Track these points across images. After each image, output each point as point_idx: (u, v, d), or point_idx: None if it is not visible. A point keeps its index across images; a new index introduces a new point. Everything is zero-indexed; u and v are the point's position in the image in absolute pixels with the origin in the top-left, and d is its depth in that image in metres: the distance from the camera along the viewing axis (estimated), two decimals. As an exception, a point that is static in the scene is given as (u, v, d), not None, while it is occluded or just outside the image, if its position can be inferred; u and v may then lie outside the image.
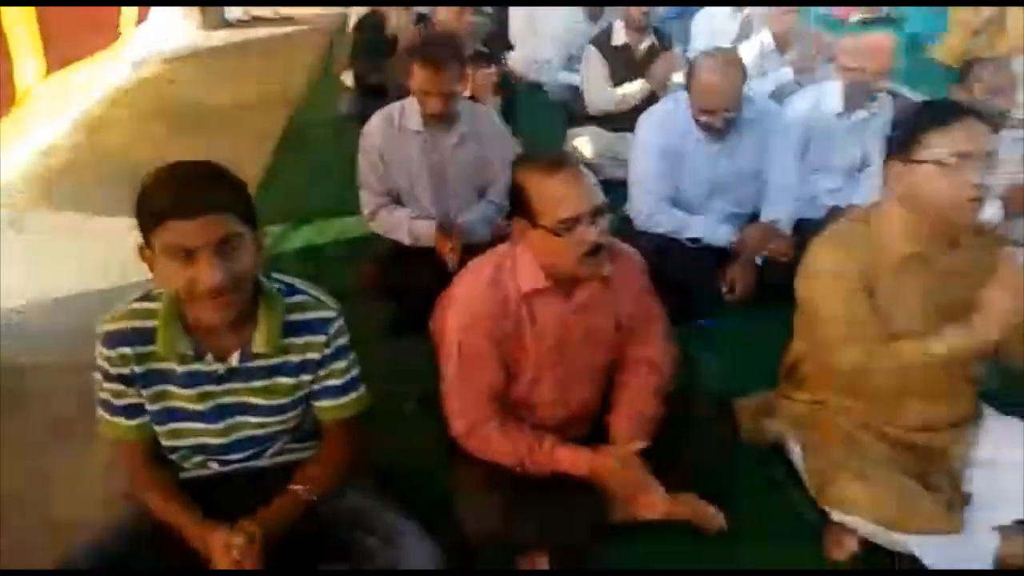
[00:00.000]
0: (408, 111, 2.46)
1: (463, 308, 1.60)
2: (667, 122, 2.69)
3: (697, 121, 2.62)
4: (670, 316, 2.65)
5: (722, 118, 2.55)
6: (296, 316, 1.42)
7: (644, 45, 3.71)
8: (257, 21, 6.56)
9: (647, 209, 2.65)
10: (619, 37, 3.73)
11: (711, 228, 2.62)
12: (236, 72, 5.20)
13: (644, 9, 3.63)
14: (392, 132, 2.47)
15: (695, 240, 2.63)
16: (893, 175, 1.63)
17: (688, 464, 1.73)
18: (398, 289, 2.40)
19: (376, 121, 2.49)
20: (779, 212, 2.76)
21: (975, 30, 6.04)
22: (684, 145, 2.67)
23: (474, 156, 2.53)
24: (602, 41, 3.76)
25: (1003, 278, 1.49)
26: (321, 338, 1.44)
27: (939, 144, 1.53)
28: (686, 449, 1.74)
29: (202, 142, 3.95)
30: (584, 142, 3.65)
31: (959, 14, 6.30)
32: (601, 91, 3.71)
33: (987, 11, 6.08)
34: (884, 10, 8.07)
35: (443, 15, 3.49)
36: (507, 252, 1.64)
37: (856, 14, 8.09)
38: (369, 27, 4.00)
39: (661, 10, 5.31)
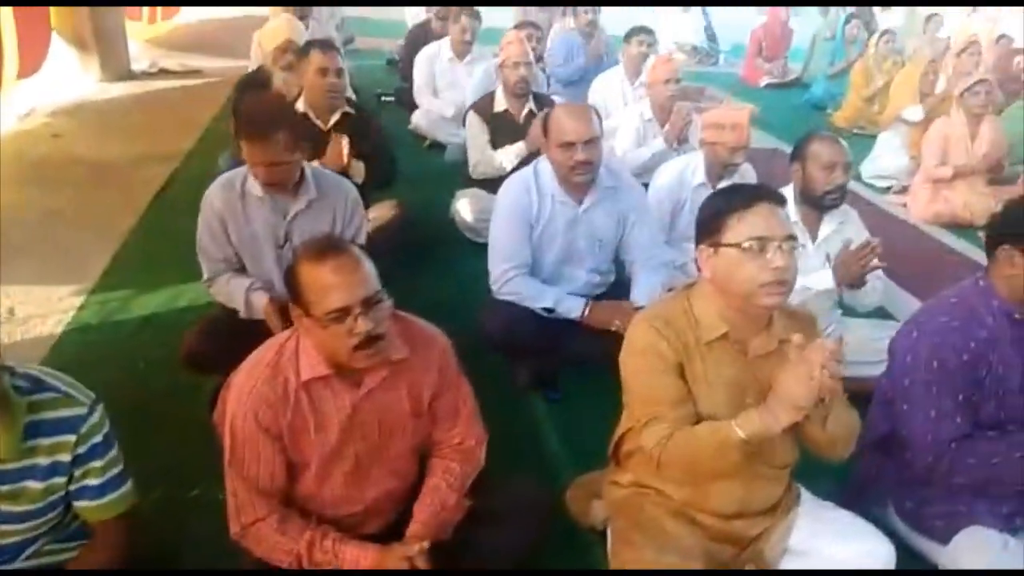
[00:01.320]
0: (251, 176, 2.39)
1: (238, 397, 1.50)
2: (527, 187, 2.66)
3: (560, 177, 2.58)
4: (520, 385, 2.69)
5: (584, 161, 2.49)
6: (42, 415, 1.32)
7: (524, 111, 3.75)
8: (163, 73, 6.45)
9: (502, 277, 2.60)
10: (500, 103, 3.77)
11: (563, 299, 2.58)
12: (129, 126, 5.07)
13: (523, 75, 3.68)
14: (233, 197, 2.38)
15: (549, 310, 2.59)
16: (702, 258, 1.63)
17: (490, 553, 1.65)
18: (216, 363, 2.27)
19: (217, 186, 2.40)
20: (647, 281, 2.75)
21: (866, 97, 6.31)
22: (543, 210, 2.64)
23: (321, 223, 2.46)
24: (483, 107, 3.78)
25: (793, 365, 1.47)
26: (71, 438, 1.34)
27: (738, 229, 1.54)
28: (491, 538, 1.66)
29: (74, 198, 3.79)
30: (464, 204, 3.63)
31: (856, 81, 6.60)
32: (482, 155, 3.71)
33: (879, 80, 6.38)
34: (795, 75, 8.47)
35: (281, 80, 3.45)
36: (290, 337, 1.56)
37: (766, 79, 8.47)
38: (251, 84, 3.94)
39: (563, 73, 5.47)
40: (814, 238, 2.70)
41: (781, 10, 8.49)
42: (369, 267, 1.48)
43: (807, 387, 1.43)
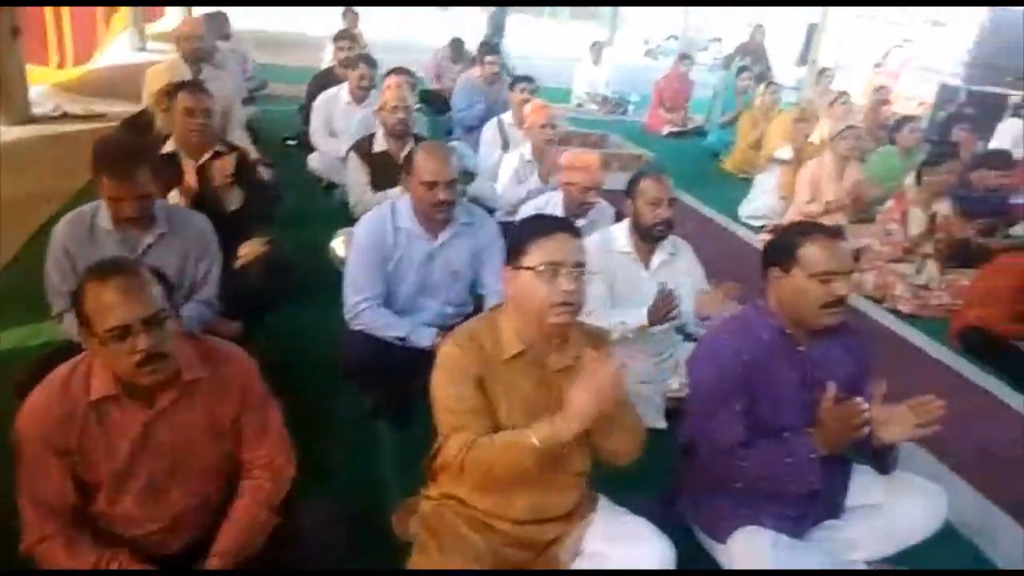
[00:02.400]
0: (101, 211, 2.45)
1: (26, 413, 1.55)
2: (383, 222, 2.77)
3: (419, 214, 2.69)
4: (371, 412, 2.77)
5: (444, 200, 2.61)
6: None
7: (404, 151, 3.89)
8: (65, 117, 6.42)
9: (354, 308, 2.69)
10: (380, 144, 3.92)
11: (415, 330, 2.68)
12: (25, 166, 5.04)
13: (402, 117, 3.84)
14: (82, 232, 2.43)
15: (402, 340, 2.69)
16: (505, 279, 1.77)
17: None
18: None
19: (65, 220, 2.45)
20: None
21: (752, 143, 6.71)
22: (398, 245, 2.74)
23: (172, 256, 2.53)
24: (363, 147, 3.92)
25: (583, 378, 1.61)
26: None
27: (536, 254, 1.69)
28: (293, 558, 1.73)
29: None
30: (339, 242, 3.73)
31: (743, 129, 7.01)
32: (362, 195, 3.84)
33: (761, 128, 6.79)
34: (695, 124, 8.90)
35: (162, 121, 3.55)
36: (84, 358, 1.62)
37: (668, 127, 8.89)
38: (134, 125, 4.01)
39: (464, 118, 5.67)
40: (647, 267, 2.90)
41: (681, 64, 8.98)
42: (153, 288, 1.54)
43: (595, 398, 1.58)
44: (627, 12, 24.13)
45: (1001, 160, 4.90)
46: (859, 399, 1.84)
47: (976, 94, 8.78)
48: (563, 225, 1.78)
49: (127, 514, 1.64)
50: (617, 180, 6.53)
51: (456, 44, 8.20)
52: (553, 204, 3.38)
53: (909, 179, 4.41)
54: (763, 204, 5.45)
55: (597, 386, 1.59)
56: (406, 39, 13.86)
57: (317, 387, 2.86)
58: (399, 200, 2.78)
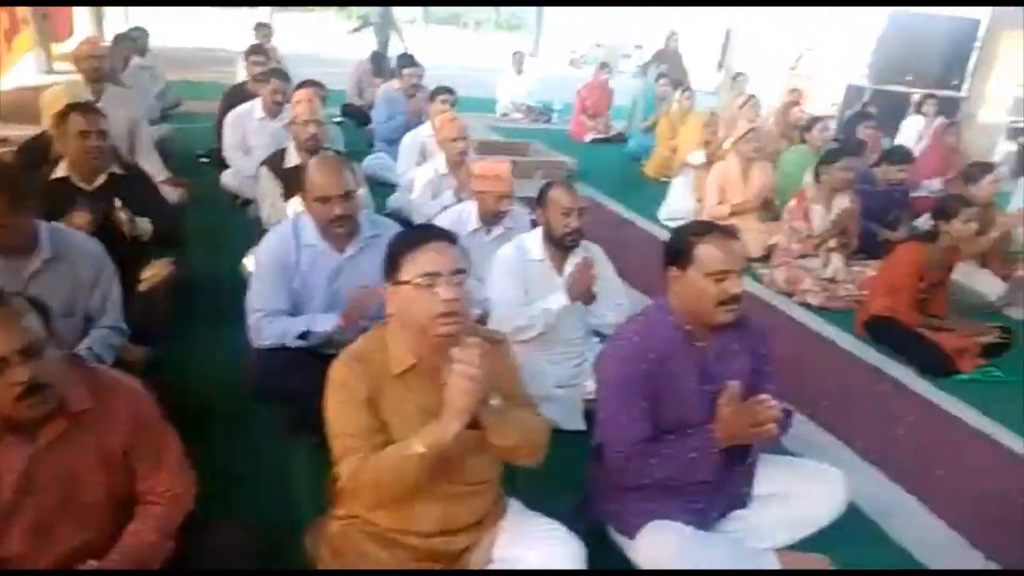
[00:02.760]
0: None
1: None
2: (285, 239, 2.72)
3: (320, 229, 2.64)
4: (283, 430, 2.71)
5: (341, 215, 2.56)
6: None
7: (315, 166, 3.84)
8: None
9: (255, 324, 2.62)
10: (292, 159, 3.85)
11: (315, 320, 2.60)
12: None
13: (313, 131, 3.79)
14: (-38, 262, 2.32)
15: (305, 337, 2.61)
16: (387, 296, 1.74)
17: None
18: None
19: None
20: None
21: (670, 148, 6.86)
22: (302, 261, 2.68)
23: (61, 282, 2.42)
24: (275, 162, 3.86)
25: (455, 370, 1.57)
26: None
27: (411, 267, 1.66)
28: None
29: None
30: (251, 260, 3.65)
31: (661, 134, 7.17)
32: (273, 209, 3.76)
33: (678, 133, 6.96)
34: (616, 131, 9.07)
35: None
36: None
37: (591, 134, 9.03)
38: (31, 149, 3.84)
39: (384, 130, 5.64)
40: (561, 273, 2.92)
41: (601, 72, 9.14)
42: (28, 317, 1.48)
43: (465, 389, 1.56)
44: (553, 22, 24.50)
45: (901, 156, 5.14)
46: (764, 396, 1.87)
47: (880, 93, 9.22)
48: (436, 234, 1.76)
49: (14, 551, 1.56)
50: (540, 187, 6.61)
51: (377, 57, 8.17)
52: (467, 214, 3.39)
53: (808, 177, 4.58)
54: (679, 207, 5.58)
55: (466, 376, 1.57)
56: (319, 52, 13.75)
57: (229, 408, 2.78)
58: (302, 216, 2.73)
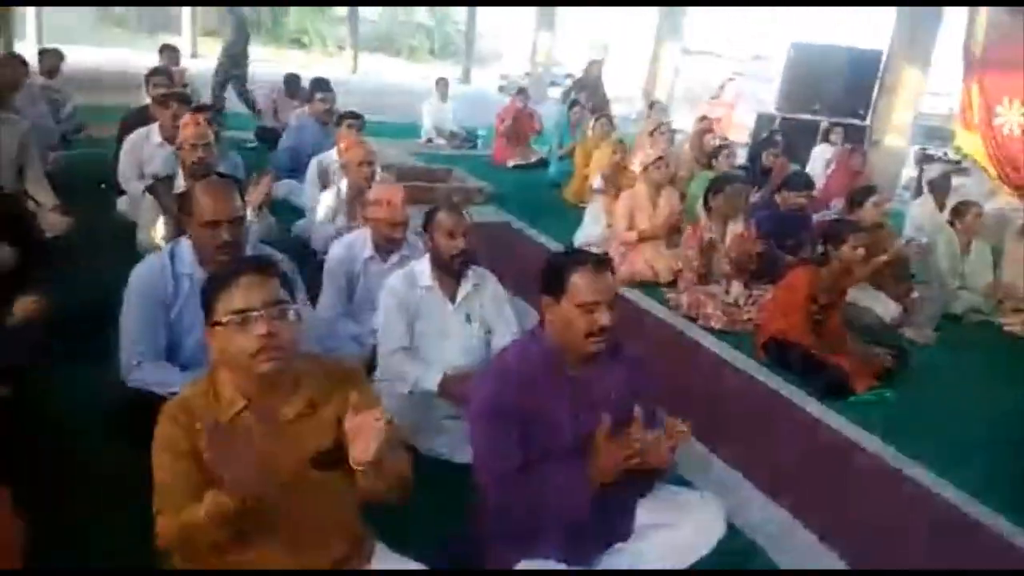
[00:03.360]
0: None
1: None
2: (160, 269, 2.58)
3: (203, 257, 2.51)
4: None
5: (228, 241, 2.44)
6: None
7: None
8: None
9: (128, 363, 2.48)
10: (180, 185, 3.70)
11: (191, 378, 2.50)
12: None
13: (202, 155, 3.66)
14: None
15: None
16: (208, 338, 1.65)
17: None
18: None
19: None
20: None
21: (586, 174, 6.93)
22: (180, 292, 2.55)
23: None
24: (160, 188, 3.71)
25: (352, 429, 1.55)
26: None
27: (221, 307, 1.59)
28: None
29: None
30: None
31: (577, 160, 7.24)
32: (148, 233, 3.61)
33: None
34: (538, 156, 9.13)
35: None
36: None
37: (513, 160, 9.07)
38: None
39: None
40: (453, 300, 2.86)
41: (517, 99, 9.22)
42: None
43: (368, 443, 1.52)
44: (484, 49, 24.81)
45: (801, 182, 5.29)
46: (632, 430, 1.84)
47: (789, 121, 9.57)
48: (248, 268, 1.66)
49: None
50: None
51: (291, 80, 8.04)
52: (362, 241, 3.30)
53: (700, 208, 4.67)
54: (592, 232, 5.61)
55: (366, 433, 1.52)
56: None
57: (93, 447, 2.60)
58: (181, 242, 2.60)
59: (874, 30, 10.82)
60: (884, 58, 9.48)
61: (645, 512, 2.16)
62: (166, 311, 2.55)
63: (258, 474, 1.56)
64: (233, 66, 9.16)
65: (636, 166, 5.70)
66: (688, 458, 2.93)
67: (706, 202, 4.66)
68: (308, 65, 20.95)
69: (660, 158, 5.11)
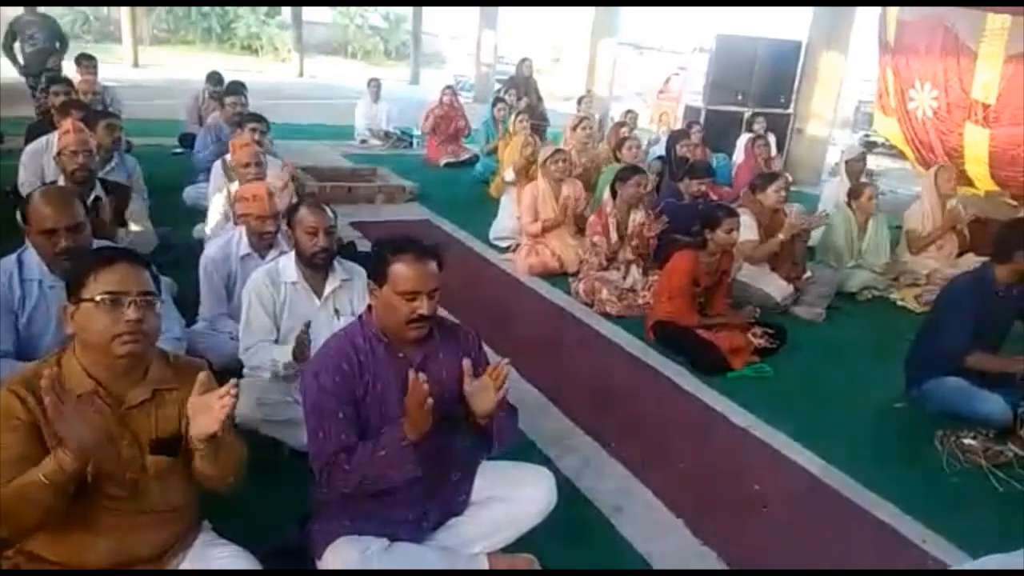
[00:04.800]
0: None
1: None
2: (7, 276, 2.57)
3: (47, 263, 2.56)
4: None
5: (66, 245, 2.50)
6: None
7: (91, 197, 3.71)
8: None
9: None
10: (63, 192, 3.71)
11: None
12: None
13: (83, 162, 3.66)
14: None
15: None
16: (65, 316, 1.71)
17: None
18: None
19: None
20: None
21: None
22: (29, 297, 2.59)
23: None
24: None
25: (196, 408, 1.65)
26: None
27: (95, 286, 1.66)
28: None
29: None
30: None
31: (500, 157, 7.32)
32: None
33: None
34: (469, 154, 9.19)
35: None
36: None
37: (445, 158, 9.13)
38: None
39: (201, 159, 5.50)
40: (320, 295, 2.92)
41: (447, 95, 9.28)
42: None
43: (210, 419, 1.61)
44: (441, 51, 24.82)
45: (701, 170, 5.44)
46: (413, 375, 1.89)
47: (713, 112, 9.77)
48: (122, 255, 1.76)
49: None
50: (384, 212, 6.68)
51: (213, 80, 8.01)
52: (238, 239, 3.35)
53: (607, 194, 4.78)
54: (505, 225, 5.71)
55: (208, 411, 1.62)
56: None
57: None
58: (27, 251, 2.63)
59: (795, 20, 11.07)
60: (804, 47, 9.72)
61: (481, 486, 2.25)
62: (14, 317, 2.59)
63: (99, 443, 1.60)
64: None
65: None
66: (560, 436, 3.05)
67: (613, 191, 4.77)
68: (262, 70, 20.91)
69: (558, 151, 5.22)
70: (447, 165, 8.95)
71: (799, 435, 3.23)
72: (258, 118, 5.07)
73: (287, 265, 2.92)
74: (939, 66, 8.23)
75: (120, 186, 3.96)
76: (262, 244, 3.32)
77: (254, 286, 2.87)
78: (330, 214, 2.90)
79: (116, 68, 15.67)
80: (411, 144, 10.15)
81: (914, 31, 8.53)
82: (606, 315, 4.49)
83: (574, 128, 6.84)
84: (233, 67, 25.26)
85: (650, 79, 19.95)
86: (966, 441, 3.19)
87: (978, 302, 3.35)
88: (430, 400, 1.87)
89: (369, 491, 2.01)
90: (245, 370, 2.90)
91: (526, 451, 2.91)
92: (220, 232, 4.04)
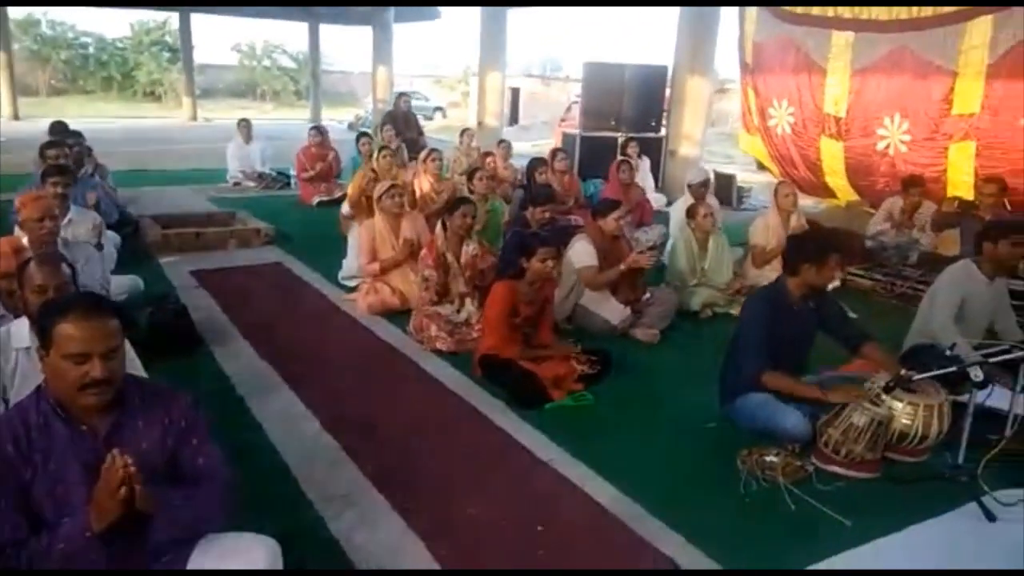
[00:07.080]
0: None
1: None
2: None
3: None
4: None
5: None
6: None
7: None
8: None
9: None
10: None
11: None
12: None
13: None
14: None
15: None
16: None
17: None
18: None
19: None
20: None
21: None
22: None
23: None
24: None
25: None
26: None
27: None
28: None
29: None
30: None
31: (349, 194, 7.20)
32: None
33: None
34: (341, 192, 9.01)
35: None
36: None
37: (317, 197, 8.93)
38: None
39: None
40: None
41: (315, 136, 9.14)
42: None
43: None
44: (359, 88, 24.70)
45: (543, 197, 5.42)
46: (117, 453, 1.73)
47: (588, 139, 9.89)
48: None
49: None
50: (236, 257, 6.44)
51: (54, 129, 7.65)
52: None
53: (439, 228, 4.68)
54: (352, 265, 5.55)
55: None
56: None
57: None
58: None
59: (659, 46, 11.42)
60: (671, 72, 9.97)
61: (195, 561, 2.05)
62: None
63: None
64: None
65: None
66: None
67: (443, 224, 4.67)
68: (165, 116, 20.45)
69: (392, 185, 5.10)
70: (320, 204, 8.77)
71: (601, 465, 3.13)
72: (62, 170, 4.77)
73: (20, 329, 2.68)
74: (793, 83, 8.54)
75: None
76: (11, 304, 3.06)
77: None
78: (66, 270, 2.68)
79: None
80: (289, 184, 9.94)
81: (769, 51, 8.85)
82: (438, 352, 4.35)
83: (424, 161, 6.78)
84: (135, 113, 24.79)
85: (556, 109, 20.39)
86: (768, 459, 3.15)
87: (773, 317, 3.35)
88: (124, 489, 1.70)
89: None
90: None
91: (300, 511, 2.74)
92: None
